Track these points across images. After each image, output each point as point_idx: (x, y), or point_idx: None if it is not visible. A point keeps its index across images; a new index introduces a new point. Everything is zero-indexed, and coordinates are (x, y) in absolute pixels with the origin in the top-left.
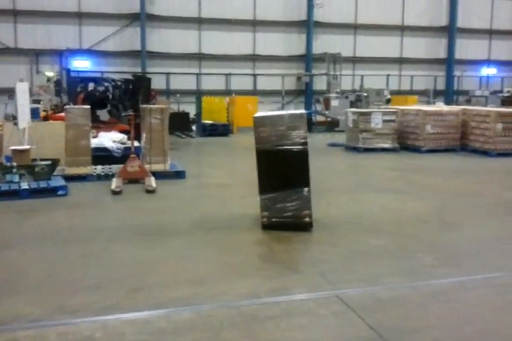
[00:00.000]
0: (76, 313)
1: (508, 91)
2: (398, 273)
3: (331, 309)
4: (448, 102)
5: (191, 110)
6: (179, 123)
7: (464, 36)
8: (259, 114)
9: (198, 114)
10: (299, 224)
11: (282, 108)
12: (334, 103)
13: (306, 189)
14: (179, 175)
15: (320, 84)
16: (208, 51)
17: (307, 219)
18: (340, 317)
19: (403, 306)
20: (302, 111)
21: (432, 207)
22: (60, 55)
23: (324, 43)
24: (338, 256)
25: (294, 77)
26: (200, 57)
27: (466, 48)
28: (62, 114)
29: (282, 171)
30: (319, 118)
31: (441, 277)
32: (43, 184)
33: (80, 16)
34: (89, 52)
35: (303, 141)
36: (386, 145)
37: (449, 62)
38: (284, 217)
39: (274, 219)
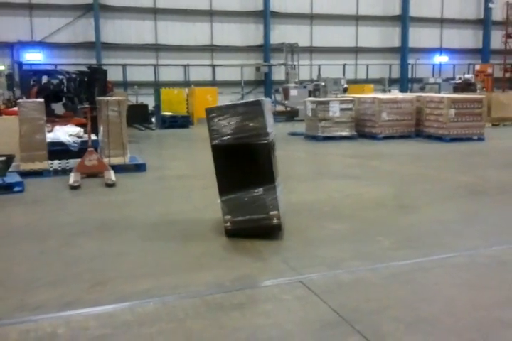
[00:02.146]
0: (37, 310)
1: (460, 78)
2: (358, 256)
3: (295, 294)
4: (403, 90)
5: (150, 102)
6: (138, 116)
7: (417, 25)
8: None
9: (157, 106)
10: (267, 227)
11: (242, 98)
12: (293, 93)
13: (270, 186)
14: (139, 167)
15: (278, 74)
16: (164, 42)
17: (275, 221)
18: (303, 302)
19: (364, 288)
20: (261, 98)
21: (390, 191)
22: (10, 47)
23: (281, 33)
24: (300, 242)
25: (252, 67)
26: (156, 48)
27: (419, 37)
28: (15, 109)
29: (242, 168)
30: (279, 108)
31: (400, 259)
32: None
33: (31, 7)
34: (42, 45)
35: (263, 131)
36: (344, 133)
37: (403, 51)
38: (249, 221)
39: (238, 223)
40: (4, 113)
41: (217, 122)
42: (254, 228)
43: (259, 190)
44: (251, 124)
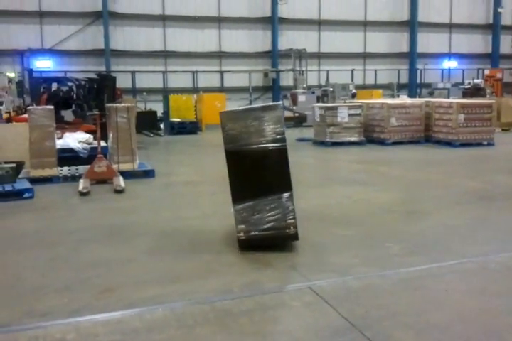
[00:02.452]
0: (46, 316)
1: (469, 83)
2: (368, 262)
3: (304, 300)
4: (411, 95)
5: (159, 108)
6: (147, 122)
7: (425, 30)
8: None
9: (166, 112)
10: (283, 237)
11: (250, 104)
12: (301, 98)
13: (287, 194)
14: (148, 174)
15: (286, 80)
16: (173, 49)
17: (292, 230)
18: (313, 308)
19: (374, 295)
20: (277, 102)
21: (398, 197)
22: (21, 55)
23: (289, 39)
24: (309, 248)
25: (260, 73)
26: (165, 54)
27: (428, 42)
28: (26, 116)
29: (258, 174)
30: (287, 113)
31: (409, 265)
32: (8, 187)
33: (41, 15)
34: (52, 52)
35: (280, 136)
36: (353, 139)
37: (411, 56)
38: (265, 230)
39: (252, 233)
40: (14, 120)
41: (233, 127)
42: (269, 238)
43: (277, 198)
44: (269, 129)
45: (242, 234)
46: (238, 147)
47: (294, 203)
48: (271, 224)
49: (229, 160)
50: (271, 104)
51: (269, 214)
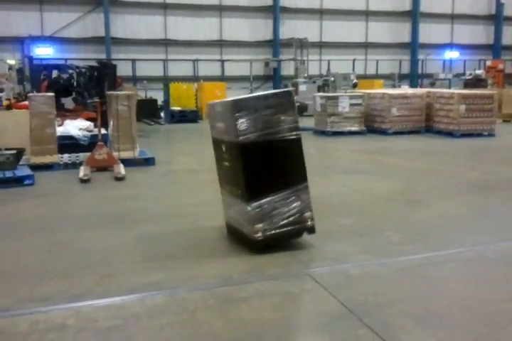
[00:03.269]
0: (47, 301)
1: (471, 74)
2: (367, 251)
3: (303, 288)
4: (413, 85)
5: (159, 97)
6: (147, 110)
7: (427, 20)
8: (235, 97)
9: (166, 101)
10: (300, 231)
11: (251, 93)
12: (302, 88)
13: (303, 185)
14: (148, 161)
15: (288, 69)
16: (174, 37)
17: (309, 223)
18: (312, 295)
19: (372, 282)
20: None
21: (399, 187)
22: (21, 42)
23: (291, 28)
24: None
25: (261, 62)
26: (166, 43)
27: (430, 32)
28: (26, 103)
29: (276, 167)
30: None
31: (409, 253)
32: (8, 174)
33: (41, 2)
34: (52, 39)
35: (294, 125)
36: (354, 129)
37: (413, 46)
38: (283, 226)
39: (271, 232)
40: (15, 107)
41: (245, 116)
42: (288, 234)
43: (294, 190)
44: (282, 118)
45: (260, 234)
46: (253, 139)
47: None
48: (290, 219)
49: (242, 153)
50: (284, 90)
51: (287, 209)
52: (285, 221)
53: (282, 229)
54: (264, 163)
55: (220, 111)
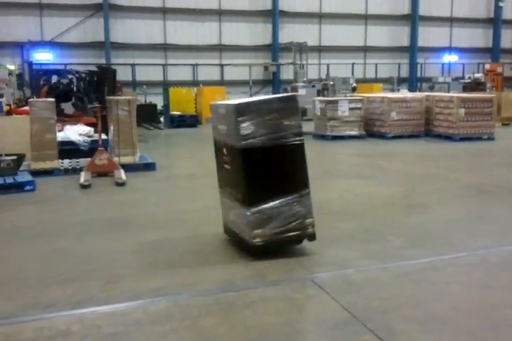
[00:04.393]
0: (50, 308)
1: (470, 78)
2: (369, 255)
3: (306, 293)
4: (412, 89)
5: (159, 101)
6: (147, 115)
7: (426, 24)
8: (237, 100)
9: (166, 106)
10: (301, 238)
11: (250, 98)
12: (301, 92)
13: (306, 191)
14: (149, 167)
15: (287, 73)
16: (173, 41)
17: (310, 230)
18: (314, 301)
19: (375, 287)
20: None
21: (399, 191)
22: (21, 47)
23: (290, 33)
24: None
25: (261, 66)
26: (165, 47)
27: (428, 36)
28: (26, 108)
29: (277, 173)
30: None
31: (410, 258)
32: (9, 179)
33: (41, 7)
34: (52, 44)
35: (298, 130)
36: (353, 133)
37: (412, 50)
38: (283, 232)
39: (270, 237)
40: (15, 112)
41: (248, 121)
42: (287, 240)
43: (295, 197)
44: (286, 122)
45: (258, 240)
46: (255, 143)
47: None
48: (290, 225)
49: (244, 158)
50: (288, 94)
51: (288, 215)
52: (285, 227)
53: (282, 235)
54: (266, 168)
55: (223, 113)
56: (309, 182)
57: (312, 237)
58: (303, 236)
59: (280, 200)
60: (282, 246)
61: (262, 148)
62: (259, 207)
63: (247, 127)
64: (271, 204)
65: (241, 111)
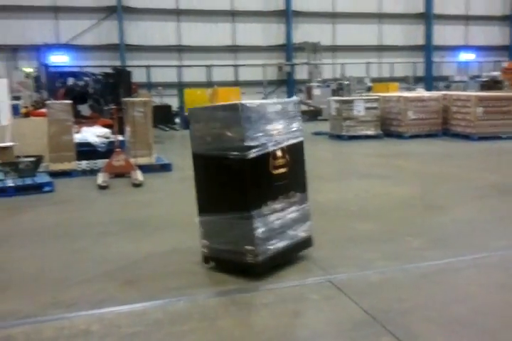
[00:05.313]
0: (71, 307)
1: (487, 76)
2: (388, 256)
3: (324, 294)
4: (428, 88)
5: (174, 103)
6: (162, 116)
7: (441, 22)
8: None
9: (181, 107)
10: (241, 263)
11: (265, 98)
12: (316, 92)
13: (246, 214)
14: (165, 167)
15: (301, 73)
16: (187, 43)
17: (249, 258)
18: (333, 302)
19: (394, 288)
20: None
21: (417, 191)
22: (37, 50)
23: (304, 32)
24: (328, 242)
25: (275, 67)
26: (179, 49)
27: (444, 34)
28: (43, 110)
29: (220, 186)
30: (302, 107)
31: (430, 259)
32: (28, 181)
33: (56, 10)
34: (67, 47)
35: (240, 144)
36: (369, 133)
37: (427, 49)
38: (225, 252)
39: (214, 251)
40: (33, 114)
41: (199, 126)
42: (229, 260)
43: (235, 216)
44: (228, 134)
45: (206, 250)
46: (202, 150)
47: (308, 192)
48: (230, 246)
49: (195, 163)
50: (232, 102)
51: (230, 234)
52: (227, 246)
53: (224, 254)
54: (211, 178)
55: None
56: (257, 205)
57: (253, 267)
58: (242, 263)
59: (223, 215)
60: (226, 264)
61: (205, 156)
62: (205, 217)
63: (197, 133)
64: (215, 217)
65: (192, 115)
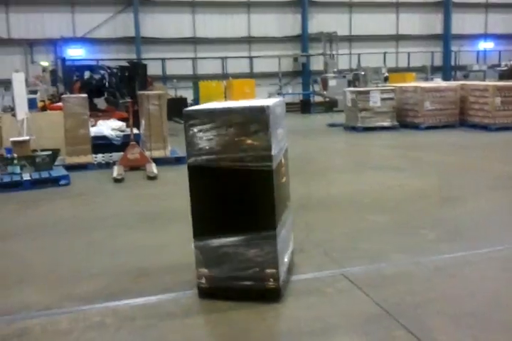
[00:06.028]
0: (85, 300)
1: (506, 65)
2: (402, 249)
3: (337, 287)
4: (446, 78)
5: (189, 95)
6: (177, 109)
7: (460, 10)
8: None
9: (196, 99)
10: (258, 291)
11: (280, 90)
12: (332, 83)
13: (270, 233)
14: (180, 160)
15: (317, 64)
16: (202, 35)
17: (271, 283)
18: (346, 295)
19: (408, 282)
20: (276, 98)
21: (433, 183)
22: (54, 44)
23: (319, 23)
24: (341, 234)
25: (290, 58)
26: (194, 41)
27: (463, 23)
28: (60, 104)
29: (230, 203)
30: (317, 98)
31: (444, 252)
32: (44, 174)
33: (73, 4)
34: (83, 40)
35: (266, 153)
36: (385, 124)
37: (445, 38)
38: (233, 279)
39: (217, 281)
40: (49, 108)
41: (198, 133)
42: (239, 290)
43: (252, 237)
44: (248, 141)
45: (203, 281)
46: (204, 161)
47: (323, 183)
48: (242, 272)
49: (191, 178)
50: (257, 105)
51: (241, 258)
52: (236, 273)
53: (232, 283)
54: (215, 196)
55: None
56: (277, 219)
57: (274, 293)
58: (260, 290)
59: (231, 238)
60: (233, 295)
61: (211, 168)
62: (205, 241)
63: (195, 140)
64: (219, 240)
65: (189, 119)
